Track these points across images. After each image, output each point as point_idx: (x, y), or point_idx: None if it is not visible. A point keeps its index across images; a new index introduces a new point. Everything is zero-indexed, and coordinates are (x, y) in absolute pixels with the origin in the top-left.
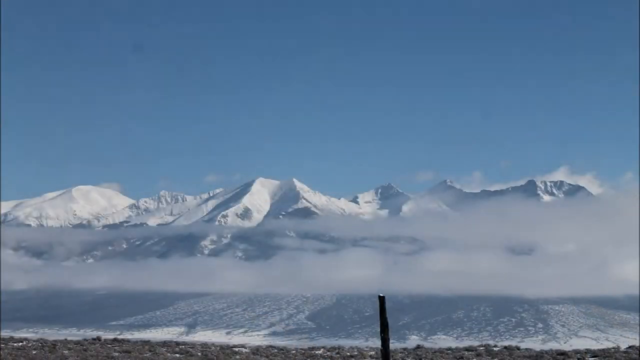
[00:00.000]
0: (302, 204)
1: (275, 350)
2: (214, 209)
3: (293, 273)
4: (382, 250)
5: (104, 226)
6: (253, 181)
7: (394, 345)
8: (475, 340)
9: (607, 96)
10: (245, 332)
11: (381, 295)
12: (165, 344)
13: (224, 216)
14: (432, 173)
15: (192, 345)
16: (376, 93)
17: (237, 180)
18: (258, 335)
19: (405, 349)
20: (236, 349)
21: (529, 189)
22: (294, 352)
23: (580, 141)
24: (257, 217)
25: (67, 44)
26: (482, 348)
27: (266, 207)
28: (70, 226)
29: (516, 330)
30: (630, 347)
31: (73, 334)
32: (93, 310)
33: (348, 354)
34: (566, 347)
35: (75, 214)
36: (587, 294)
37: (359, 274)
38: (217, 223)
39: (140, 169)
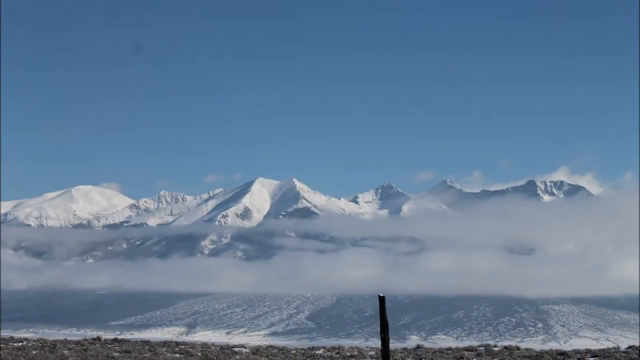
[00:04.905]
0: (302, 204)
1: (275, 350)
2: (214, 209)
3: (293, 273)
4: (382, 250)
5: (104, 226)
6: (253, 181)
7: (394, 345)
8: (475, 340)
9: (607, 96)
10: (245, 332)
11: (381, 295)
12: (165, 343)
13: (224, 216)
14: (432, 173)
15: (192, 345)
16: (377, 91)
17: (237, 180)
18: (258, 335)
19: (405, 348)
20: (236, 349)
21: (529, 189)
22: (294, 352)
23: (580, 141)
24: (257, 217)
25: (67, 43)
26: (482, 348)
27: (266, 207)
28: (70, 226)
29: (516, 330)
30: (630, 347)
31: (73, 334)
32: (93, 310)
33: (348, 353)
34: (566, 347)
35: (75, 214)
36: (587, 294)
37: (359, 274)
38: (217, 223)
39: (140, 169)
